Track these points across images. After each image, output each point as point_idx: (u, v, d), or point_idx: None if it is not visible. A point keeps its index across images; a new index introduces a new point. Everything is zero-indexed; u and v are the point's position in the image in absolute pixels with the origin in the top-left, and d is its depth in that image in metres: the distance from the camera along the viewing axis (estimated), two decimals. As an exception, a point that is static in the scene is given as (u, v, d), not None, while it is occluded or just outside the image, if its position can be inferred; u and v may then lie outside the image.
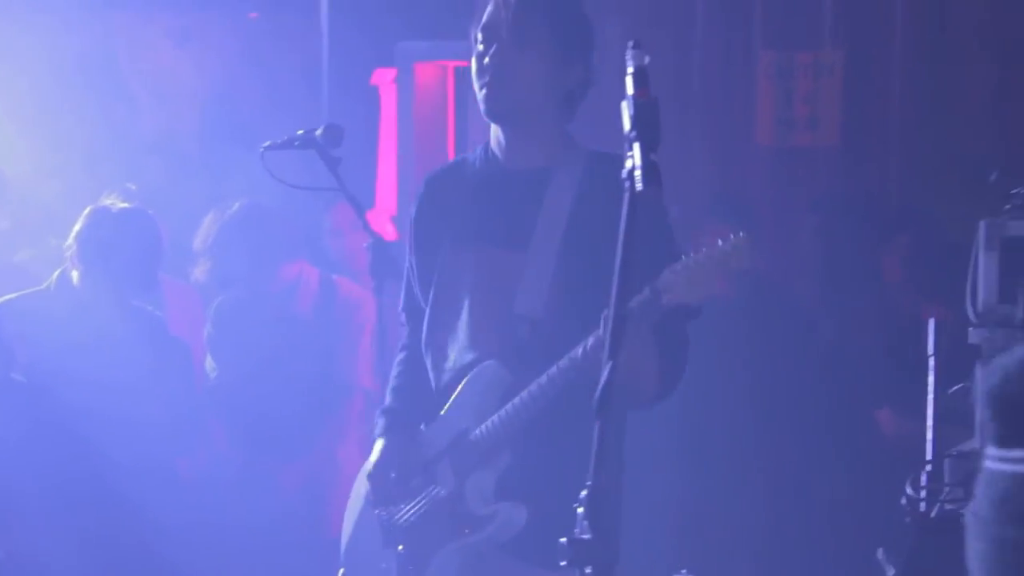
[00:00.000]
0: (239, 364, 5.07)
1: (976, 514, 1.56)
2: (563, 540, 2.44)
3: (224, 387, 5.09)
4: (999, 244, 3.24)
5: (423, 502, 3.28)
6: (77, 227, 4.56)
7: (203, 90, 6.55)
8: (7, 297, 4.61)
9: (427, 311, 3.33)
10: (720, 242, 2.90)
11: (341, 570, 3.46)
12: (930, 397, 3.27)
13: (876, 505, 4.19)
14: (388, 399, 3.43)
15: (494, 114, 3.20)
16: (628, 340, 2.90)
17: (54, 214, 5.36)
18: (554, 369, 3.04)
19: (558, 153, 3.23)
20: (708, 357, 5.09)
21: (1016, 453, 1.52)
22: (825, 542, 4.70)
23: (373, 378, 4.03)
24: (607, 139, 2.81)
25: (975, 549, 1.55)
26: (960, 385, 3.39)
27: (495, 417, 3.16)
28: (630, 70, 2.37)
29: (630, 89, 2.35)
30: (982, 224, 3.29)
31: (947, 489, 3.15)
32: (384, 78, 6.36)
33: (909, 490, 3.15)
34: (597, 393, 2.43)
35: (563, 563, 2.46)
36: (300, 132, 3.73)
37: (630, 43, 2.39)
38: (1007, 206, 3.37)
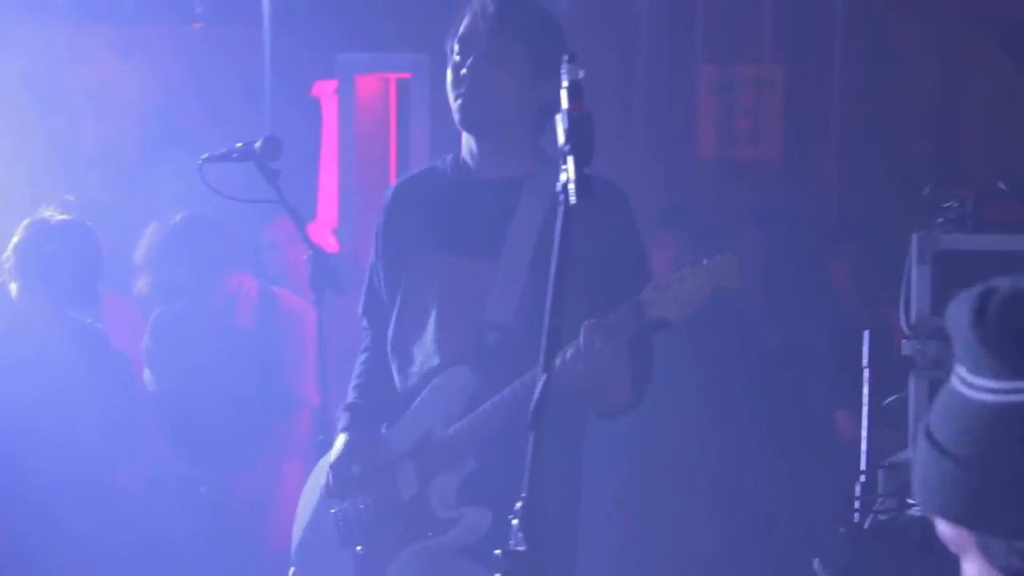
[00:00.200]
0: (176, 376, 5.03)
1: (930, 429, 1.59)
2: (497, 552, 2.45)
3: (162, 399, 5.05)
4: (931, 257, 3.27)
5: (385, 503, 3.28)
6: (15, 239, 4.53)
7: (145, 102, 6.50)
8: None
9: (394, 316, 3.34)
10: (705, 260, 2.96)
11: (292, 569, 3.44)
12: (864, 408, 3.29)
13: (816, 514, 4.22)
14: (351, 396, 3.44)
15: (468, 124, 3.22)
16: (605, 352, 2.97)
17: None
18: (528, 376, 3.05)
19: (530, 165, 3.25)
20: (661, 366, 5.14)
21: (971, 379, 1.56)
22: (765, 552, 4.73)
23: (317, 392, 4.02)
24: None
25: (927, 463, 1.59)
26: (895, 396, 3.42)
27: (463, 421, 3.18)
28: (564, 84, 2.38)
29: (564, 103, 2.37)
30: (915, 237, 3.32)
31: (880, 500, 3.18)
32: (325, 90, 6.36)
33: (844, 501, 3.18)
34: (532, 406, 2.45)
35: (498, 575, 2.47)
36: (239, 144, 3.72)
37: (565, 57, 2.40)
38: (940, 219, 3.41)
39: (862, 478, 3.23)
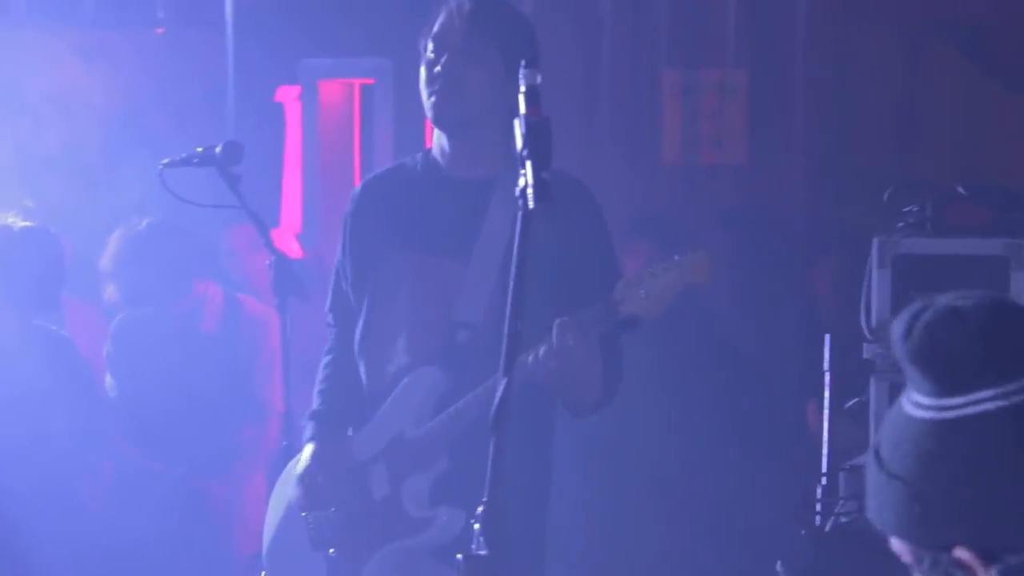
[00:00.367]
0: (138, 382, 5.02)
1: (879, 448, 1.62)
2: (459, 556, 2.46)
3: (125, 405, 5.04)
4: (891, 261, 3.30)
5: (356, 505, 3.28)
6: None
7: (107, 106, 6.48)
8: None
9: (362, 315, 3.33)
10: (676, 257, 2.99)
11: (263, 573, 3.44)
12: (825, 412, 3.31)
13: (783, 515, 4.23)
14: (316, 402, 3.43)
15: (441, 121, 3.23)
16: (577, 349, 2.99)
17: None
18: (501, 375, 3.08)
19: (502, 165, 3.23)
20: (625, 371, 5.16)
21: (919, 398, 1.58)
22: (730, 552, 4.75)
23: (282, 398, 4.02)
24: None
25: (878, 482, 1.61)
26: (856, 399, 3.44)
27: (434, 421, 3.19)
28: (522, 89, 2.40)
29: (522, 108, 2.39)
30: (875, 241, 3.34)
31: (841, 502, 3.20)
32: (288, 95, 6.35)
33: (801, 503, 3.20)
34: (493, 410, 2.46)
35: (459, 580, 2.47)
36: (200, 149, 3.72)
37: (522, 62, 2.42)
38: (900, 223, 3.43)
39: (823, 480, 3.25)
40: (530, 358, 3.03)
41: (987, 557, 1.51)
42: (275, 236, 4.56)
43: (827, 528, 3.17)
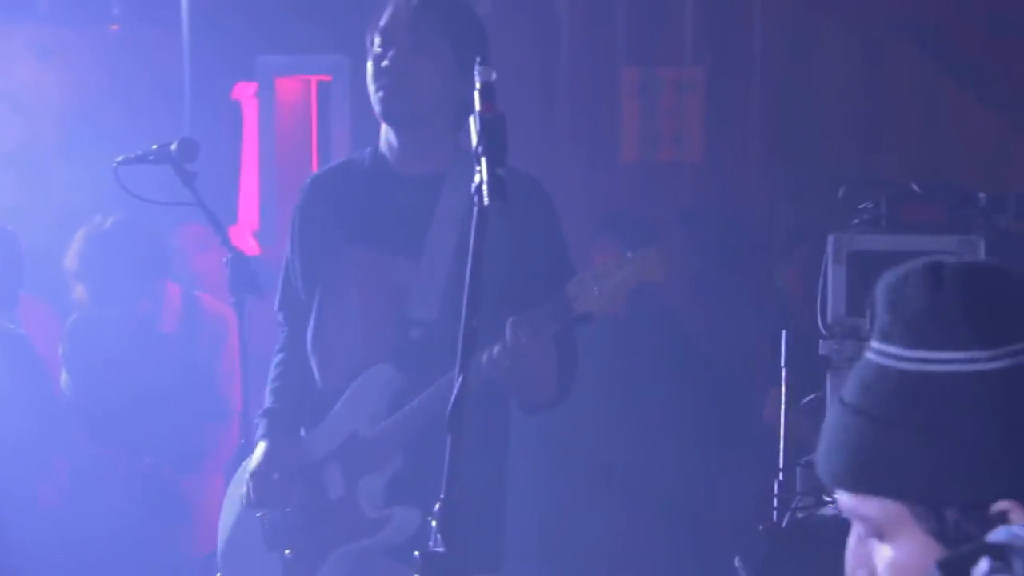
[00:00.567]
0: (94, 381, 4.99)
1: (847, 397, 1.62)
2: (416, 553, 2.47)
3: (80, 404, 5.02)
4: (846, 258, 3.32)
5: (311, 506, 3.27)
6: None
7: (62, 103, 6.45)
8: None
9: (313, 314, 3.32)
10: (630, 253, 2.99)
11: (218, 574, 3.43)
12: (782, 407, 3.34)
13: (738, 513, 4.27)
14: (268, 400, 3.41)
15: (389, 116, 3.22)
16: (531, 346, 2.99)
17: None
18: (453, 373, 3.07)
19: (451, 159, 3.25)
20: (587, 369, 5.18)
21: (888, 348, 1.59)
22: (690, 549, 4.77)
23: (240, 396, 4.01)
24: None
25: (841, 429, 1.60)
26: (813, 396, 3.47)
27: (389, 420, 3.18)
28: (477, 85, 2.40)
29: (477, 104, 2.39)
30: (830, 238, 3.37)
31: (798, 497, 3.22)
32: (245, 92, 6.33)
33: (760, 499, 3.22)
34: (449, 407, 2.46)
35: (417, 576, 2.48)
36: (155, 147, 3.70)
37: (477, 59, 2.42)
38: (855, 220, 3.46)
39: (780, 476, 3.27)
40: (484, 357, 3.03)
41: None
42: (233, 233, 4.56)
43: (784, 523, 3.19)
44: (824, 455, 1.64)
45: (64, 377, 5.08)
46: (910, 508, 1.55)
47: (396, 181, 3.27)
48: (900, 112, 6.17)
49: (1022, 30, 6.18)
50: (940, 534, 1.52)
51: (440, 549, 2.47)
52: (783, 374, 3.37)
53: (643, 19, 6.01)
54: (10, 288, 4.59)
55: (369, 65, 3.23)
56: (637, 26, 6.03)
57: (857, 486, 1.59)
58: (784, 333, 3.43)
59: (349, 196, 3.32)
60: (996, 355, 1.56)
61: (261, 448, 3.33)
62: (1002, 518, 1.51)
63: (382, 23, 3.21)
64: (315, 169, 6.52)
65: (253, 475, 3.30)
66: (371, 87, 3.22)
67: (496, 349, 3.01)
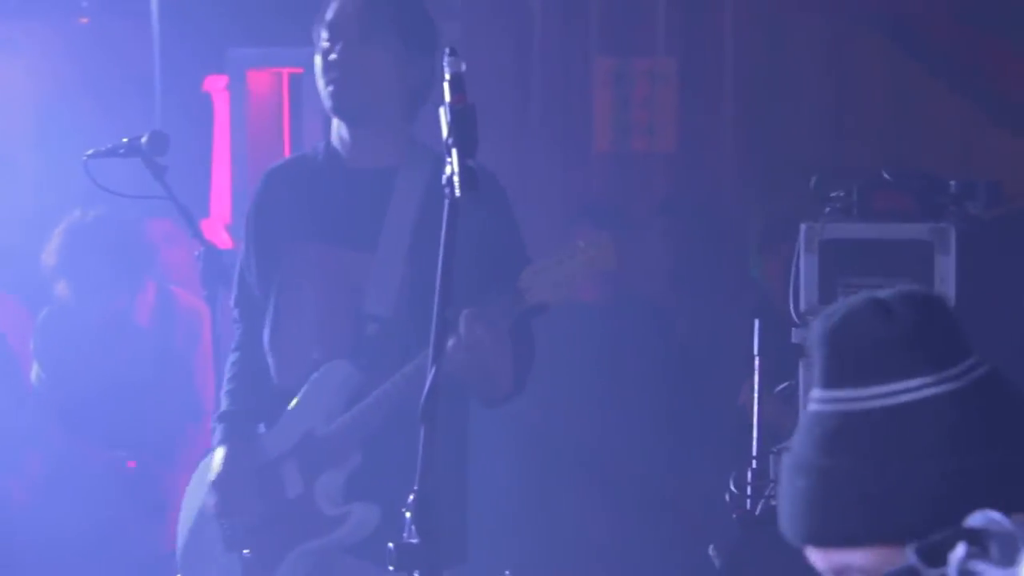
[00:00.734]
0: (67, 375, 4.97)
1: (797, 455, 1.61)
2: (391, 545, 2.47)
3: (54, 399, 4.99)
4: (818, 246, 3.33)
5: (270, 504, 3.25)
6: None
7: (33, 97, 6.42)
8: None
9: (269, 311, 3.30)
10: (582, 243, 2.96)
11: (177, 575, 3.41)
12: (755, 396, 3.34)
13: (713, 501, 4.28)
14: (224, 403, 3.39)
15: (340, 110, 3.20)
16: (486, 340, 2.97)
17: None
18: (410, 368, 3.05)
19: (403, 153, 3.24)
20: (559, 356, 5.20)
21: (836, 393, 1.59)
22: (662, 538, 4.78)
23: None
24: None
25: (797, 487, 1.60)
26: (786, 384, 3.47)
27: (346, 416, 3.16)
28: (447, 76, 2.40)
29: (447, 95, 2.39)
30: (803, 227, 3.38)
31: (772, 484, 3.23)
32: (216, 85, 6.31)
33: (732, 487, 3.23)
34: (422, 399, 2.47)
35: (391, 567, 2.48)
36: (125, 140, 3.69)
37: (447, 50, 2.42)
38: (827, 209, 3.47)
39: (753, 464, 3.28)
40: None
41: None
42: (204, 227, 4.54)
43: (757, 511, 3.20)
44: (789, 519, 1.62)
45: (35, 371, 5.05)
46: (896, 545, 1.55)
47: (349, 175, 3.25)
48: (871, 101, 6.18)
49: (990, 19, 6.21)
50: (931, 560, 1.54)
51: (414, 540, 2.47)
52: (756, 363, 3.38)
53: (616, 10, 6.02)
54: None
55: (317, 59, 3.21)
56: (610, 17, 6.03)
57: (838, 540, 1.58)
58: (756, 323, 3.44)
59: (302, 192, 3.30)
60: (947, 376, 1.57)
61: (220, 454, 3.31)
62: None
63: (328, 17, 3.20)
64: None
65: (215, 484, 3.28)
66: (320, 82, 3.20)
67: (450, 343, 2.98)
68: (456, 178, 2.37)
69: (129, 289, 4.94)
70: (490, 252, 3.09)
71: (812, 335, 1.62)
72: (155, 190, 3.70)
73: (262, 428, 3.33)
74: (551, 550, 4.75)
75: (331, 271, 3.23)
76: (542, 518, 5.03)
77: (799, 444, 1.61)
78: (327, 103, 3.20)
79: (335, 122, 3.27)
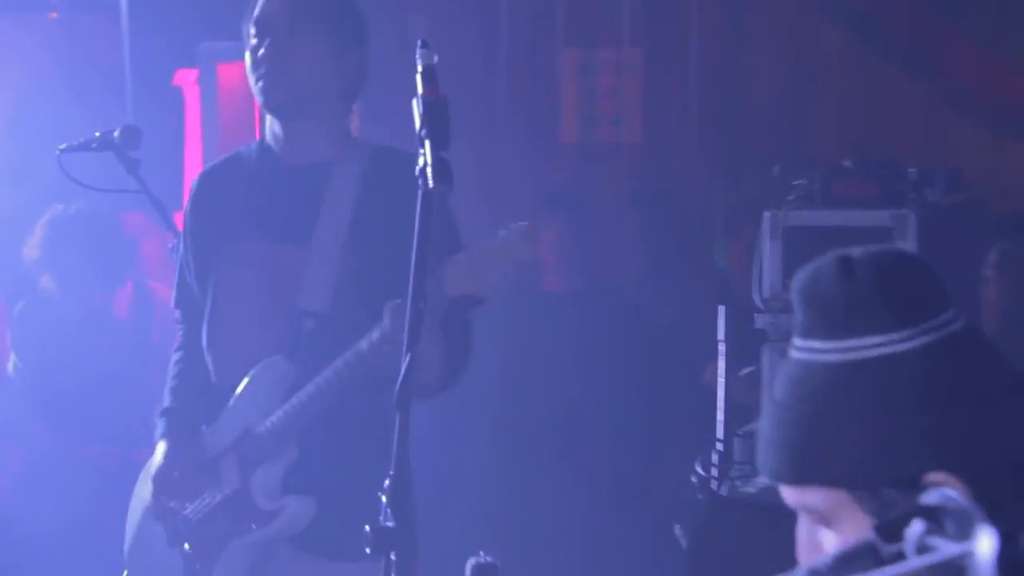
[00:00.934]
0: (46, 365, 4.96)
1: (771, 396, 1.67)
2: (368, 528, 2.48)
3: (32, 390, 4.99)
4: (782, 234, 3.36)
5: (209, 500, 3.24)
6: None
7: (3, 93, 6.39)
8: None
9: (207, 308, 3.28)
10: (503, 233, 2.91)
11: (124, 572, 3.40)
12: (720, 380, 3.37)
13: (679, 484, 4.32)
14: (167, 400, 3.37)
15: (271, 106, 3.18)
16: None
17: None
18: (340, 362, 3.04)
19: (338, 147, 3.21)
20: (531, 343, 5.23)
21: (806, 343, 1.63)
22: (631, 518, 4.81)
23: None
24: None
25: (764, 425, 1.66)
26: (750, 368, 3.51)
27: (281, 411, 3.14)
28: (419, 69, 2.40)
29: (420, 88, 2.39)
30: (766, 215, 3.41)
31: (737, 466, 3.26)
32: (187, 79, 6.30)
33: (699, 469, 3.26)
34: (397, 386, 2.48)
35: (368, 550, 2.50)
36: (97, 134, 3.68)
37: (419, 42, 2.42)
38: (790, 197, 3.51)
39: (719, 446, 3.32)
40: (365, 344, 3.00)
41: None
42: (178, 220, 4.54)
43: (723, 492, 3.23)
44: (762, 453, 1.69)
45: (13, 362, 5.05)
46: (849, 493, 1.60)
47: (282, 172, 3.22)
48: (832, 91, 6.22)
49: (949, 10, 6.26)
50: (880, 514, 1.56)
51: (390, 524, 2.49)
52: (721, 348, 3.41)
53: (581, 2, 6.04)
54: None
55: (247, 56, 3.19)
56: (576, 9, 6.05)
57: (797, 479, 1.64)
58: (722, 309, 3.47)
59: (237, 190, 3.28)
60: (912, 334, 1.61)
61: (161, 449, 3.30)
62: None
63: (256, 13, 3.18)
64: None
65: (155, 478, 3.28)
66: (251, 79, 3.18)
67: (375, 335, 2.97)
68: (429, 169, 2.38)
69: (110, 282, 4.95)
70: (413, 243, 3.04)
71: (792, 285, 1.67)
72: (128, 183, 3.71)
73: (204, 428, 3.30)
74: (525, 531, 4.78)
75: (266, 268, 3.20)
76: (516, 501, 5.05)
77: (779, 385, 1.68)
78: (258, 99, 3.17)
79: (268, 118, 3.24)
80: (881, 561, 1.42)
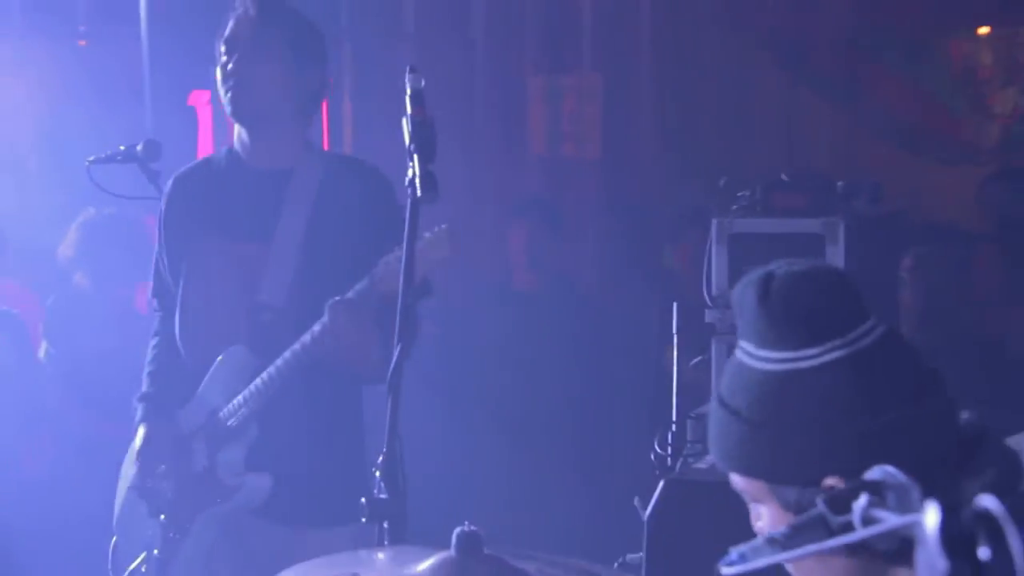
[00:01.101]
0: (76, 351, 4.90)
1: (715, 390, 1.64)
2: (363, 500, 2.45)
3: (62, 373, 4.93)
4: (727, 239, 3.34)
5: (182, 476, 3.22)
6: None
7: (38, 111, 6.35)
8: None
9: (179, 300, 3.24)
10: (427, 234, 2.86)
11: (114, 538, 3.36)
12: (674, 369, 3.35)
13: (638, 462, 4.30)
14: (145, 384, 3.34)
15: (238, 115, 3.15)
16: (348, 327, 2.88)
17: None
18: (288, 352, 3.01)
19: (298, 155, 3.18)
20: (503, 335, 5.20)
21: (742, 344, 1.61)
22: (593, 493, 4.80)
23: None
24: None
25: (709, 418, 1.63)
26: (700, 358, 3.48)
27: (240, 396, 3.11)
28: (408, 92, 2.37)
29: (409, 109, 2.36)
30: (714, 222, 3.38)
31: (688, 445, 3.24)
32: (200, 99, 6.25)
33: (656, 447, 3.23)
34: (388, 372, 2.44)
35: (364, 519, 2.46)
36: (122, 148, 3.64)
37: (407, 68, 2.39)
38: (734, 207, 3.48)
39: (673, 427, 3.29)
40: (308, 337, 2.97)
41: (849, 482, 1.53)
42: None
43: (676, 468, 3.21)
44: (708, 442, 1.67)
45: (44, 348, 4.99)
46: (767, 484, 1.58)
47: (247, 175, 3.19)
48: (768, 114, 6.24)
49: (867, 45, 6.28)
50: (787, 506, 1.56)
51: (383, 496, 2.45)
52: (674, 340, 3.39)
53: (548, 35, 6.02)
54: None
55: (217, 72, 3.16)
56: (542, 41, 6.03)
57: (728, 467, 1.63)
58: (676, 305, 3.44)
59: (206, 191, 3.24)
60: (819, 352, 1.57)
61: (141, 431, 3.28)
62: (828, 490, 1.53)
63: (226, 34, 3.16)
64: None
65: (136, 456, 3.26)
66: (220, 91, 3.15)
67: (317, 330, 2.94)
68: (418, 180, 2.35)
69: (135, 279, 4.90)
70: (372, 241, 2.97)
71: (748, 306, 1.63)
72: (149, 191, 3.66)
73: (179, 411, 3.27)
74: (496, 504, 4.74)
75: (231, 264, 3.17)
76: (487, 475, 5.03)
77: (723, 379, 1.65)
78: (227, 109, 3.15)
79: (236, 127, 3.21)
80: (831, 531, 1.40)
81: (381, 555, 2.32)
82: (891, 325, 1.62)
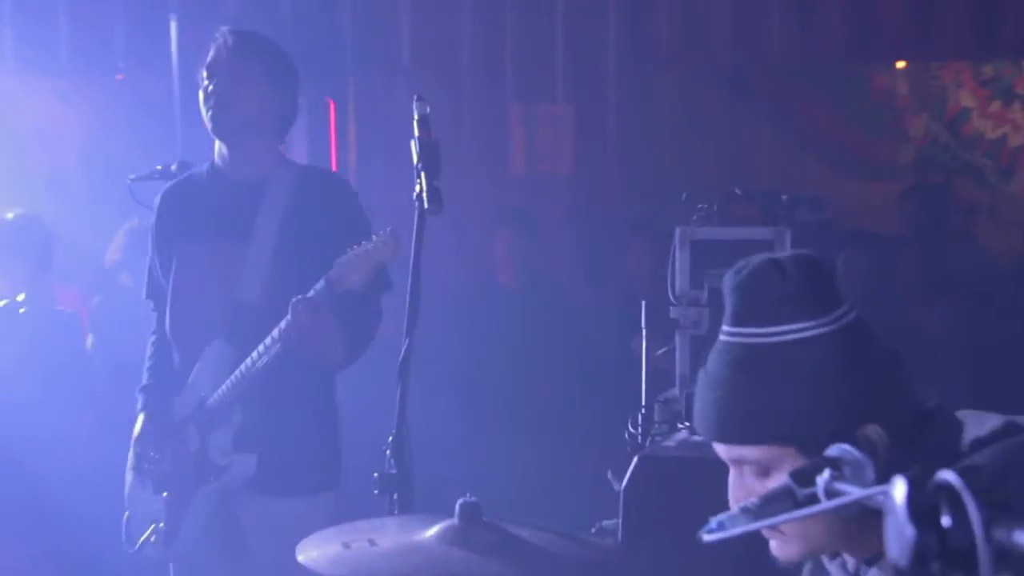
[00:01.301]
0: (116, 341, 4.84)
1: (710, 374, 1.61)
2: (376, 474, 2.43)
3: (105, 362, 4.87)
4: (689, 245, 3.32)
5: (178, 457, 3.18)
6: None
7: (82, 136, 6.31)
8: None
9: (168, 301, 3.20)
10: (374, 237, 2.81)
11: (127, 512, 3.32)
12: (643, 358, 3.32)
13: (610, 439, 4.27)
14: (145, 377, 3.30)
15: (218, 131, 3.11)
16: (311, 323, 2.83)
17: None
18: (260, 346, 2.97)
19: (273, 166, 3.14)
20: (490, 325, 5.18)
21: (742, 330, 1.59)
22: (572, 467, 4.77)
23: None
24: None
25: (708, 398, 1.60)
26: (665, 348, 3.46)
27: (224, 385, 3.07)
28: (416, 117, 2.35)
29: (416, 132, 2.34)
30: (677, 230, 3.36)
31: (656, 425, 3.22)
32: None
33: (630, 427, 3.21)
34: (399, 361, 2.42)
35: (376, 492, 2.44)
36: (159, 167, 3.61)
37: (415, 96, 2.37)
38: (694, 217, 3.46)
39: (643, 410, 3.27)
40: (276, 332, 2.92)
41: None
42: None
43: (647, 445, 3.19)
44: (702, 418, 1.61)
45: (91, 341, 4.95)
46: (795, 447, 1.55)
47: (226, 184, 3.15)
48: (717, 137, 6.25)
49: (800, 75, 6.29)
50: (802, 482, 1.51)
51: (393, 471, 2.44)
52: (643, 333, 3.36)
53: (526, 69, 6.01)
54: (44, 271, 4.42)
55: (200, 94, 3.12)
56: (521, 74, 6.02)
57: (744, 439, 1.57)
58: (644, 303, 3.41)
59: (190, 201, 3.21)
60: (832, 319, 1.56)
61: (140, 419, 3.24)
62: (867, 439, 1.51)
63: (208, 60, 3.13)
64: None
65: (135, 442, 3.23)
66: (203, 111, 3.12)
67: (282, 325, 2.89)
68: (425, 195, 2.32)
69: None
70: (338, 244, 2.91)
71: (724, 284, 1.61)
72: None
73: (175, 399, 3.23)
74: (492, 478, 4.70)
75: (212, 263, 3.12)
76: (485, 453, 5.00)
77: (712, 365, 1.61)
78: (208, 126, 3.12)
79: (217, 143, 3.17)
80: (798, 503, 1.37)
81: (393, 523, 2.30)
82: None
